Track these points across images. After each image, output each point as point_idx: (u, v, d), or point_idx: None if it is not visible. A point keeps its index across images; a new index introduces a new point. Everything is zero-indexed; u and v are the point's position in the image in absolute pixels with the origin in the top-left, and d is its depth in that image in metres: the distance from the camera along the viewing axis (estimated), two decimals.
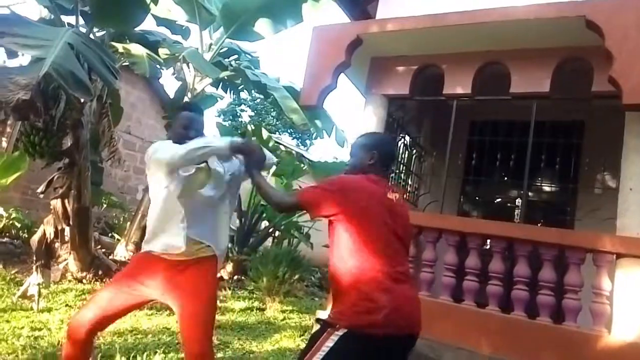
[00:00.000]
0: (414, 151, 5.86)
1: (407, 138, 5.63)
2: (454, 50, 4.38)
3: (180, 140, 2.34)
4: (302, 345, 4.43)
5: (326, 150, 45.92)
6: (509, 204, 6.23)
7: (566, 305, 3.51)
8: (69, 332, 2.20)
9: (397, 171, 5.36)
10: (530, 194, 5.62)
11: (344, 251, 1.88)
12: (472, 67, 4.35)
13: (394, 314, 1.78)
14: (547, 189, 5.94)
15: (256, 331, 4.81)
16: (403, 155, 5.54)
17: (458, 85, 4.41)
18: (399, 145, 5.39)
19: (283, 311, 6.04)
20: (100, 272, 5.80)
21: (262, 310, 5.96)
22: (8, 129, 8.99)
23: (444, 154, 4.48)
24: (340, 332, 1.77)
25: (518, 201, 6.01)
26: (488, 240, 4.08)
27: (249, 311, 5.78)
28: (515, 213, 5.89)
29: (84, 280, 5.57)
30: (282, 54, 53.40)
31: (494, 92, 4.45)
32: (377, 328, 1.76)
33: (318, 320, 1.97)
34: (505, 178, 5.79)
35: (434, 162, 5.93)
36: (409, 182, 5.76)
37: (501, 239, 3.82)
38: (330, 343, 1.77)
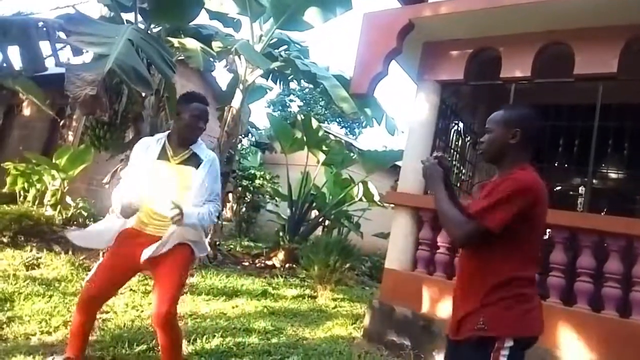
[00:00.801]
0: (468, 138, 5.69)
1: (461, 125, 5.47)
2: (512, 31, 4.19)
3: (188, 129, 2.53)
4: (354, 334, 4.49)
5: (375, 138, 45.53)
6: (571, 192, 5.94)
7: (634, 298, 3.31)
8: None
9: (451, 159, 5.23)
10: (595, 181, 5.32)
11: (501, 254, 1.68)
12: (532, 49, 4.14)
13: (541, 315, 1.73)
14: (613, 175, 5.61)
15: (308, 318, 4.88)
16: (457, 143, 5.40)
17: (516, 68, 4.22)
18: (451, 132, 5.25)
19: (334, 299, 6.09)
20: None
21: (313, 298, 6.04)
22: (74, 123, 9.56)
23: None
24: (508, 345, 1.61)
25: (582, 189, 5.70)
26: (548, 230, 3.91)
27: (300, 299, 5.87)
28: (579, 202, 5.61)
29: None
30: (332, 43, 53.17)
31: (556, 75, 4.22)
32: (537, 331, 1.69)
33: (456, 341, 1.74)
34: (567, 165, 5.51)
35: None
36: (463, 171, 5.60)
37: (563, 228, 3.65)
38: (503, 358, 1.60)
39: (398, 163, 7.29)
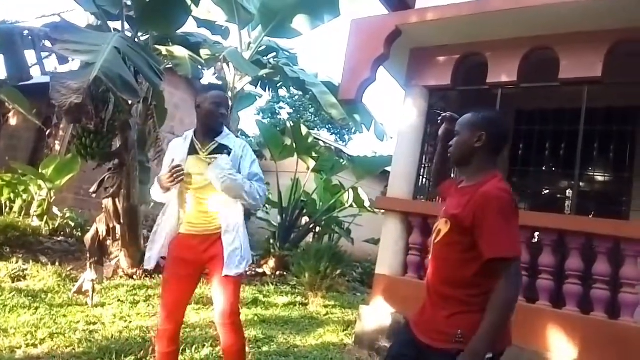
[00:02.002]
0: None
1: None
2: (497, 37, 4.23)
3: (210, 118, 2.48)
4: (346, 340, 4.46)
5: (365, 144, 45.69)
6: (558, 195, 5.99)
7: (622, 299, 3.33)
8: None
9: None
10: (581, 184, 5.37)
11: (481, 265, 1.62)
12: (518, 54, 4.19)
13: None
14: (600, 178, 5.66)
15: (300, 326, 4.85)
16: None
17: (503, 73, 4.26)
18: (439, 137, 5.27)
19: (326, 306, 6.06)
20: (149, 268, 5.99)
21: (304, 305, 6.00)
22: (61, 133, 9.47)
23: None
24: (487, 357, 1.56)
25: (569, 192, 5.76)
26: (536, 234, 3.93)
27: (292, 306, 5.83)
28: (566, 205, 5.66)
29: (135, 277, 5.78)
30: (320, 50, 53.42)
31: (542, 79, 4.27)
32: (510, 343, 1.69)
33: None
34: (554, 168, 5.56)
35: None
36: (452, 175, 5.62)
37: (551, 231, 3.67)
38: None
39: (388, 169, 7.31)
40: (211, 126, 2.51)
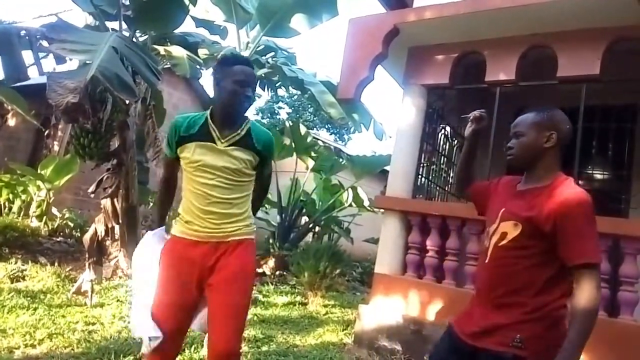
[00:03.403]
0: (456, 142, 5.72)
1: (448, 129, 5.50)
2: (496, 35, 4.23)
3: (232, 99, 2.01)
4: (345, 340, 4.46)
5: (364, 144, 45.70)
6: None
7: (622, 297, 3.33)
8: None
9: (438, 163, 5.25)
10: (580, 182, 5.37)
11: (549, 270, 1.60)
12: (516, 52, 4.18)
13: None
14: (598, 176, 5.66)
15: (299, 325, 4.84)
16: (444, 147, 5.42)
17: (501, 71, 4.26)
18: (439, 136, 5.27)
19: (325, 306, 6.06)
20: None
21: (304, 304, 6.00)
22: (59, 133, 9.46)
23: (487, 143, 4.34)
24: None
25: None
26: None
27: (291, 306, 5.83)
28: None
29: None
30: (319, 49, 53.42)
31: (540, 77, 4.27)
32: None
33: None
34: None
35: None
36: (451, 174, 5.62)
37: None
38: None
39: (387, 168, 7.31)
40: (233, 110, 2.05)
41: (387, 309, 4.20)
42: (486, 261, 1.72)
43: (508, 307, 1.62)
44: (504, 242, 1.65)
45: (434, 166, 5.10)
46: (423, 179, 4.83)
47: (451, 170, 5.62)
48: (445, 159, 5.47)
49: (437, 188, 5.26)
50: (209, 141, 2.04)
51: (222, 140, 2.05)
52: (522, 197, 1.72)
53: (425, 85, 4.70)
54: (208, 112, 2.12)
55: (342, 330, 4.77)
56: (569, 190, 1.63)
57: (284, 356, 3.65)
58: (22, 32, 4.23)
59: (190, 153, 2.05)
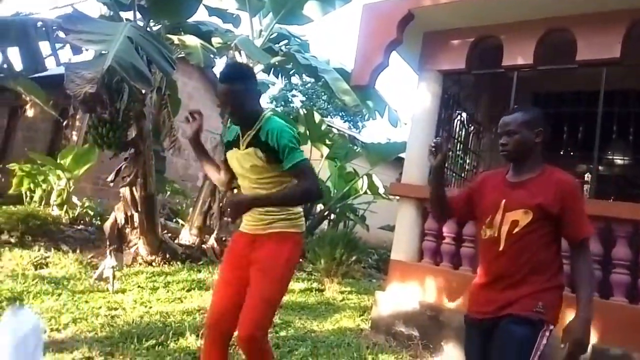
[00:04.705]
0: (472, 128, 5.66)
1: (464, 114, 5.44)
2: (513, 18, 4.16)
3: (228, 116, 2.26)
4: (362, 326, 4.49)
5: (379, 131, 45.42)
6: (577, 180, 5.90)
7: None
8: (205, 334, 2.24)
9: (454, 149, 5.21)
10: (600, 167, 5.29)
11: (556, 245, 1.88)
12: (534, 36, 4.11)
13: None
14: (619, 162, 5.56)
15: (316, 311, 4.89)
16: (460, 133, 5.37)
17: (518, 55, 4.19)
18: (454, 122, 5.22)
19: (342, 292, 6.10)
20: (167, 256, 6.11)
21: (321, 291, 6.05)
22: (77, 123, 9.60)
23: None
24: (550, 328, 1.81)
25: (587, 176, 5.67)
26: None
27: (308, 292, 5.89)
28: (585, 188, 5.57)
29: (154, 264, 5.88)
30: (332, 36, 52.99)
31: (558, 61, 4.19)
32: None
33: (517, 317, 1.80)
34: (572, 152, 5.47)
35: (494, 138, 5.70)
36: (467, 160, 5.58)
37: None
38: (544, 341, 1.78)
39: (402, 155, 7.27)
40: (236, 122, 2.26)
41: (403, 295, 4.22)
42: (500, 248, 1.88)
43: (528, 283, 1.82)
44: (517, 229, 1.84)
45: (450, 152, 5.05)
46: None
47: (467, 157, 5.58)
48: (462, 145, 5.42)
49: (454, 175, 5.22)
50: (237, 146, 2.23)
51: (243, 143, 2.20)
52: (521, 187, 1.91)
53: (441, 71, 4.65)
54: None
55: (359, 316, 4.81)
56: (565, 176, 1.90)
57: (301, 341, 3.70)
58: (39, 24, 4.28)
59: (229, 160, 2.30)
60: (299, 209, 2.29)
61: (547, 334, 1.78)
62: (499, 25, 4.29)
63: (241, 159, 2.19)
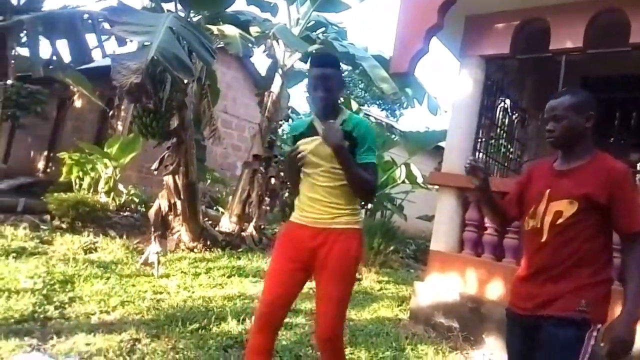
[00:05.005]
0: (516, 115, 5.48)
1: (508, 101, 5.27)
2: (561, 0, 3.97)
3: (311, 99, 2.19)
4: (401, 316, 4.47)
5: (417, 119, 44.72)
6: (629, 168, 5.62)
7: None
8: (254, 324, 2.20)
9: (497, 137, 5.06)
10: None
11: (604, 238, 1.75)
12: (584, 18, 3.91)
13: None
14: None
15: (354, 300, 4.89)
16: (503, 120, 5.21)
17: (567, 38, 4.00)
18: (497, 109, 5.07)
19: (379, 282, 6.09)
20: (208, 243, 6.26)
21: (358, 280, 6.05)
22: (122, 113, 9.92)
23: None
24: (598, 328, 1.68)
25: None
26: None
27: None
28: (637, 178, 5.30)
29: (195, 250, 6.05)
30: (370, 23, 52.32)
31: (610, 44, 3.97)
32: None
33: (563, 319, 1.68)
34: (623, 140, 5.21)
35: (540, 125, 5.49)
36: (511, 149, 5.42)
37: None
38: (592, 342, 1.66)
39: (441, 144, 7.13)
40: (317, 108, 2.22)
41: (443, 286, 4.17)
42: (542, 240, 1.78)
43: (571, 277, 1.72)
44: (561, 219, 1.74)
45: (493, 141, 4.91)
46: (481, 155, 4.68)
47: (510, 145, 5.41)
48: (505, 133, 5.25)
49: (496, 163, 5.08)
50: (314, 134, 2.20)
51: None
52: (567, 176, 1.79)
53: (484, 56, 4.50)
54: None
55: (397, 306, 4.79)
56: (616, 164, 1.75)
57: None
58: (85, 16, 4.43)
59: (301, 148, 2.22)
60: (358, 205, 2.27)
61: (595, 334, 1.66)
62: (546, 7, 4.11)
63: (320, 146, 2.14)
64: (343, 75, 2.29)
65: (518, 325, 1.86)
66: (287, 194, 12.74)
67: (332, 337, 2.11)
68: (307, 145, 2.20)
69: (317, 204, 2.15)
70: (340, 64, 2.34)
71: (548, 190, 1.80)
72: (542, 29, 4.16)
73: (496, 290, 3.87)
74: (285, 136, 14.49)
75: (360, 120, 2.24)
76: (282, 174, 12.41)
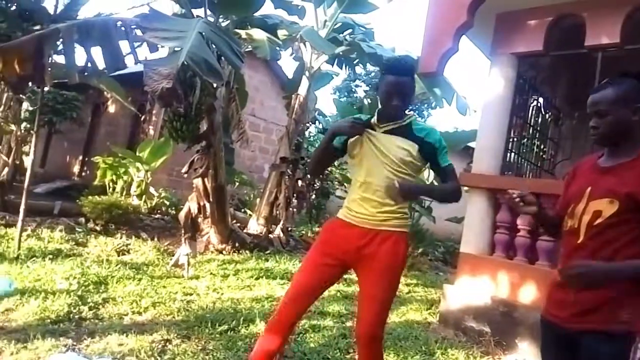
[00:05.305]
0: (549, 114, 5.32)
1: (541, 100, 5.12)
2: None
3: (383, 104, 2.17)
4: (430, 319, 4.40)
5: (446, 119, 44.14)
6: None
7: None
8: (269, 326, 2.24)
9: (530, 137, 4.92)
10: None
11: None
12: (621, 12, 3.77)
13: None
14: None
15: None
16: (536, 119, 5.06)
17: (603, 34, 3.87)
18: (530, 108, 4.93)
19: (407, 284, 6.01)
20: (236, 245, 6.33)
21: None
22: (154, 118, 10.16)
23: (586, 115, 3.98)
24: None
25: None
26: None
27: None
28: None
29: (224, 252, 6.12)
30: (398, 23, 51.99)
31: None
32: None
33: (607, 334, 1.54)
34: None
35: (575, 124, 5.32)
36: (544, 149, 5.26)
37: None
38: (638, 355, 1.50)
39: (471, 144, 7.00)
40: (387, 114, 2.20)
41: (474, 290, 4.08)
42: (579, 241, 1.65)
43: (609, 285, 1.56)
44: (599, 220, 1.59)
45: (525, 140, 4.79)
46: (512, 155, 4.57)
47: (544, 145, 5.26)
48: (538, 133, 5.11)
49: (529, 164, 4.95)
50: (369, 127, 2.19)
51: (380, 126, 2.18)
52: (611, 173, 1.65)
53: (516, 54, 4.40)
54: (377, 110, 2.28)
55: (426, 309, 4.71)
56: None
57: None
58: (119, 23, 4.54)
59: (355, 145, 2.21)
60: (408, 209, 2.28)
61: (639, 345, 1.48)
62: (581, 2, 3.98)
63: (386, 143, 2.14)
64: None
65: (552, 333, 1.73)
66: (313, 196, 12.79)
67: (373, 335, 2.10)
68: (361, 141, 2.20)
69: (368, 204, 2.13)
70: (415, 68, 2.33)
71: (589, 188, 1.65)
72: (576, 25, 4.04)
73: (529, 294, 3.76)
74: (312, 138, 14.56)
75: (430, 128, 2.26)
76: (308, 176, 12.44)
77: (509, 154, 4.48)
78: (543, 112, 5.21)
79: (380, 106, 2.24)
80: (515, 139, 4.58)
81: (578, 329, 1.58)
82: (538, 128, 5.11)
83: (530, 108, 4.92)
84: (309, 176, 10.46)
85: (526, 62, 4.51)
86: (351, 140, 2.21)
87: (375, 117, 2.24)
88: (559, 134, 5.41)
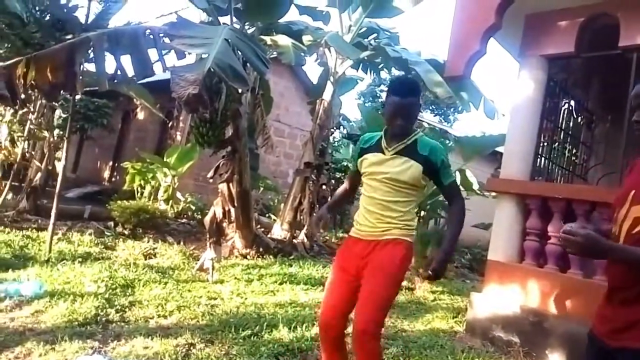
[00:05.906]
0: (581, 117, 5.16)
1: (572, 103, 4.97)
2: None
3: (387, 122, 2.26)
4: (456, 328, 4.30)
5: (473, 124, 43.47)
6: None
7: None
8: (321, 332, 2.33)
9: (562, 141, 4.78)
10: None
11: None
12: None
13: None
14: None
15: (406, 310, 4.77)
16: (568, 123, 4.92)
17: (638, 34, 3.72)
18: (561, 112, 4.79)
19: (433, 292, 5.90)
20: (261, 249, 6.34)
21: (411, 289, 5.90)
22: (181, 125, 10.33)
23: (620, 118, 3.84)
24: None
25: None
26: None
27: (398, 290, 5.76)
28: None
29: (248, 257, 6.15)
30: (424, 27, 51.57)
31: None
32: None
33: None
34: None
35: (608, 128, 5.15)
36: (576, 153, 5.10)
37: None
38: None
39: (499, 149, 6.85)
40: (391, 131, 2.28)
41: (502, 298, 3.96)
42: None
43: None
44: (639, 228, 1.42)
45: (556, 145, 4.65)
46: (543, 160, 4.44)
47: (576, 150, 5.10)
48: (569, 136, 4.96)
49: (560, 169, 4.80)
50: (380, 151, 2.30)
51: (389, 149, 2.27)
52: None
53: (546, 56, 4.28)
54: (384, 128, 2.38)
55: (452, 318, 4.60)
56: None
57: (392, 340, 3.62)
58: (147, 32, 4.64)
59: (365, 162, 2.33)
60: (415, 223, 2.35)
61: None
62: (615, 2, 3.84)
63: (391, 163, 2.24)
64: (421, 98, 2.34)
65: (594, 348, 1.59)
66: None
67: (367, 330, 2.08)
68: (371, 159, 2.30)
69: (372, 217, 2.24)
70: (420, 88, 2.37)
71: (633, 192, 1.48)
72: (608, 25, 3.90)
73: (560, 304, 3.63)
74: (336, 143, 14.54)
75: (433, 145, 2.28)
76: (333, 181, 12.41)
77: (539, 159, 4.36)
78: (575, 116, 5.05)
79: (385, 125, 2.32)
80: (545, 143, 4.45)
81: (615, 345, 1.47)
82: (570, 132, 4.96)
83: (562, 111, 4.78)
84: (332, 181, 10.41)
85: (557, 64, 4.39)
86: (360, 159, 2.35)
87: (383, 138, 2.32)
88: (592, 138, 5.24)
